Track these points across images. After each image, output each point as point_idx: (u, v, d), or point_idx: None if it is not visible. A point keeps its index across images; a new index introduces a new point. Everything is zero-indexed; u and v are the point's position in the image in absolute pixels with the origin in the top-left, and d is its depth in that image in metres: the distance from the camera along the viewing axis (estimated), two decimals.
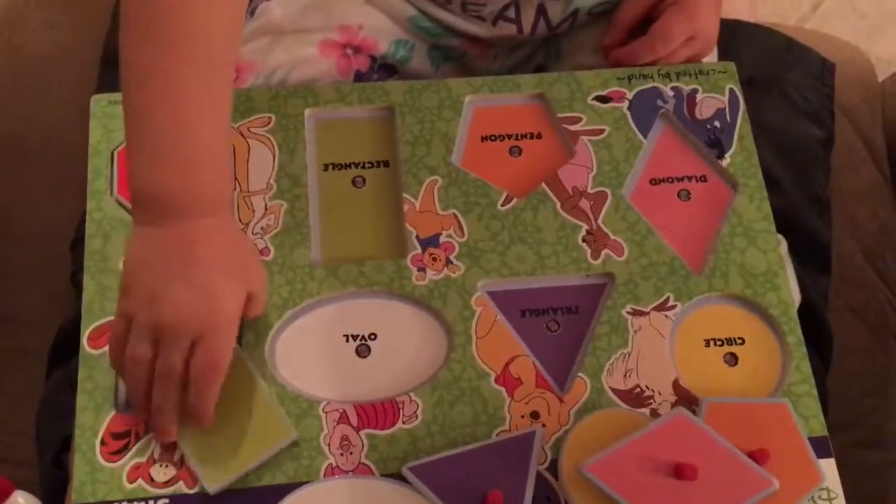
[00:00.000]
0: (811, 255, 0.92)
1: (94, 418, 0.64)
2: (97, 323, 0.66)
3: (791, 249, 0.79)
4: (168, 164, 0.61)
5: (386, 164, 0.73)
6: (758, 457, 0.62)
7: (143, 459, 0.63)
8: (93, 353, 0.65)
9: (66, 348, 0.88)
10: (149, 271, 0.61)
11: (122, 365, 0.62)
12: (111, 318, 0.66)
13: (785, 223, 0.75)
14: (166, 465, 0.63)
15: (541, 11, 0.79)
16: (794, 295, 0.73)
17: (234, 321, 0.61)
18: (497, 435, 0.64)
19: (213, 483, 0.62)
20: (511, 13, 0.78)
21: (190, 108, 0.61)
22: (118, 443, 0.63)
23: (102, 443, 0.63)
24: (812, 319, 0.83)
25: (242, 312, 0.62)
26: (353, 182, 0.73)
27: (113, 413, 0.64)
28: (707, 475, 0.61)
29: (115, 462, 0.63)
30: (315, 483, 0.63)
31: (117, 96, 0.73)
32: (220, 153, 0.64)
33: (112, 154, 0.71)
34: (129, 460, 0.63)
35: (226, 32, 0.63)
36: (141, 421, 0.63)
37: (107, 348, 0.65)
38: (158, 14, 0.61)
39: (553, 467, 0.63)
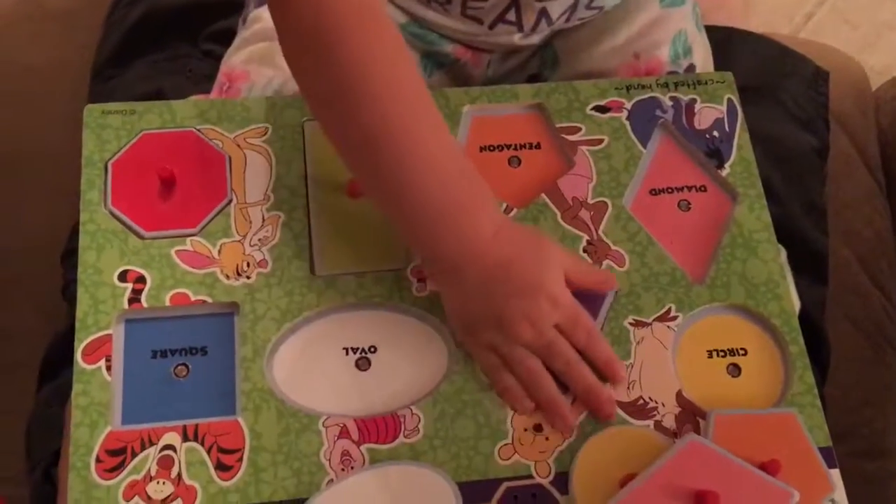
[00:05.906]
0: (807, 264, 0.92)
1: (90, 435, 0.62)
2: (91, 337, 0.65)
3: (787, 258, 0.78)
4: (441, 224, 0.64)
5: None
6: (769, 468, 0.61)
7: (139, 477, 0.62)
8: (87, 369, 0.64)
9: (56, 362, 0.87)
10: (479, 308, 0.64)
11: (512, 390, 0.65)
12: (106, 332, 0.65)
13: (780, 232, 0.75)
14: (163, 482, 0.62)
15: (542, 14, 0.77)
16: (795, 304, 0.73)
17: (569, 295, 0.65)
18: (499, 449, 0.64)
19: (323, 270, 0.68)
20: (511, 16, 0.77)
21: (430, 159, 0.63)
22: (114, 459, 0.62)
23: (98, 460, 0.62)
24: (809, 328, 0.83)
25: (585, 287, 0.66)
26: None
27: (108, 429, 0.63)
28: (729, 498, 0.60)
29: (110, 480, 0.61)
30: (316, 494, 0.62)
31: (111, 106, 0.72)
32: (470, 179, 0.65)
33: (106, 165, 0.70)
34: (125, 477, 0.61)
35: (411, 73, 0.65)
36: (563, 425, 0.65)
37: (101, 363, 0.64)
38: (353, 83, 0.62)
39: (558, 481, 0.63)
